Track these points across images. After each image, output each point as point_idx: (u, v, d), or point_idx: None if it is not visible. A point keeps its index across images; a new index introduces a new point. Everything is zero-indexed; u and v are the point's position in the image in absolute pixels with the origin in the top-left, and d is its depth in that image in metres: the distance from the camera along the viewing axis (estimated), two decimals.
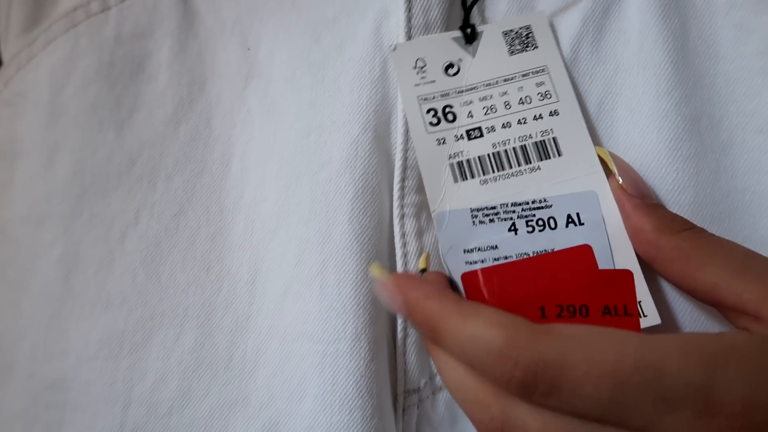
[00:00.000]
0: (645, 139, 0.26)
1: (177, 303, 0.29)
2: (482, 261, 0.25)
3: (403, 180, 0.28)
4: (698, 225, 0.25)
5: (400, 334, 0.28)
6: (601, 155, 0.25)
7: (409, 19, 0.27)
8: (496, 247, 0.25)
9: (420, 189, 0.28)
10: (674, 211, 0.25)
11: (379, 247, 0.28)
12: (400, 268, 0.28)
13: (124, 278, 0.29)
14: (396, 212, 0.28)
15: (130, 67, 0.31)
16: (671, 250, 0.22)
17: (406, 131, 0.27)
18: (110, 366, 0.29)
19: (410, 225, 0.28)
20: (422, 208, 0.28)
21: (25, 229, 0.31)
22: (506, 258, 0.25)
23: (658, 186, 0.26)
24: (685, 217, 0.25)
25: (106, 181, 0.30)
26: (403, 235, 0.28)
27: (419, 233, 0.28)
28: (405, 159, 0.28)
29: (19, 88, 0.32)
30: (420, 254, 0.28)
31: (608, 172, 0.25)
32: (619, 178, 0.24)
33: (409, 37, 0.27)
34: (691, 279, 0.22)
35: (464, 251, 0.25)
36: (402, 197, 0.28)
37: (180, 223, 0.30)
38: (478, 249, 0.25)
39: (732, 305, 0.21)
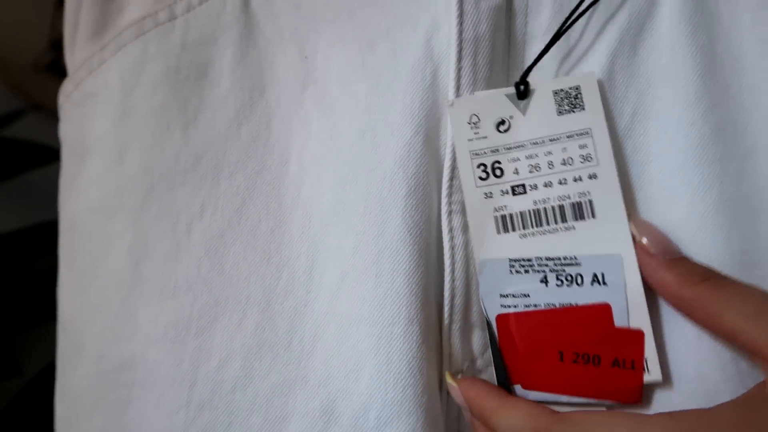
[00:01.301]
0: (673, 145, 0.28)
1: (239, 290, 0.31)
2: (515, 306, 0.28)
3: (451, 180, 0.30)
4: (723, 222, 0.27)
5: (446, 321, 0.30)
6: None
7: (460, 33, 0.30)
8: (528, 295, 0.28)
9: None
10: (701, 210, 0.28)
11: (429, 240, 0.30)
12: (447, 259, 0.30)
13: (190, 267, 0.32)
14: (444, 209, 0.30)
15: (195, 73, 0.33)
16: (693, 301, 0.25)
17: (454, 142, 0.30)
18: (177, 347, 0.31)
19: (457, 221, 0.30)
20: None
21: (96, 220, 0.33)
22: (535, 306, 0.28)
23: (685, 187, 0.28)
24: (710, 215, 0.28)
25: (174, 177, 0.32)
26: (450, 230, 0.30)
27: (465, 228, 0.30)
28: (454, 160, 0.30)
29: (90, 89, 0.34)
30: (465, 246, 0.30)
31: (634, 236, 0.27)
32: (643, 239, 0.27)
33: (460, 49, 0.30)
34: (713, 326, 0.25)
35: (500, 296, 0.28)
36: (450, 195, 0.30)
37: (242, 217, 0.32)
38: (513, 295, 0.28)
39: (750, 350, 0.24)
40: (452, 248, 0.30)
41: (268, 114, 0.33)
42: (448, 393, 0.31)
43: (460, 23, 0.30)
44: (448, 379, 0.29)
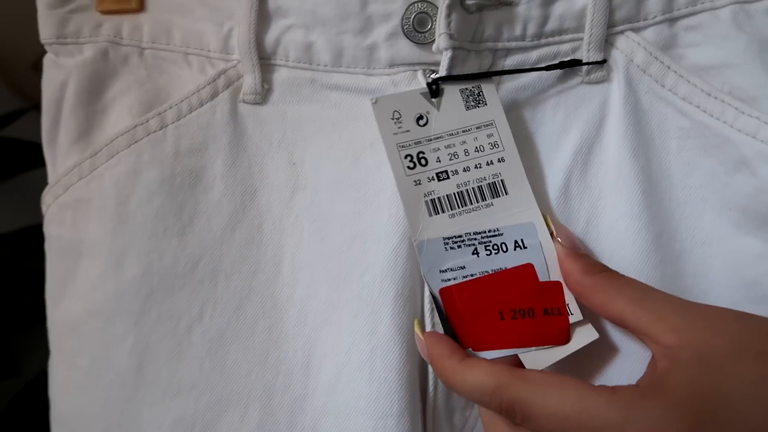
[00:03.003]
0: (623, 251, 0.33)
1: (241, 387, 0.34)
2: (454, 278, 0.32)
3: None
4: None
5: (430, 405, 0.34)
6: (546, 219, 0.32)
7: None
8: (464, 267, 0.32)
9: None
10: None
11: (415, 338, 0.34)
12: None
13: (193, 367, 0.34)
14: (427, 307, 0.34)
15: (189, 179, 0.35)
16: (591, 286, 0.29)
17: None
18: None
19: (437, 318, 0.34)
20: None
21: (96, 323, 0.35)
22: (472, 275, 0.32)
23: None
24: None
25: (172, 281, 0.34)
26: (433, 326, 0.34)
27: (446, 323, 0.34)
28: None
29: (82, 194, 0.36)
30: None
31: (552, 231, 0.32)
32: (558, 238, 0.32)
33: None
34: (606, 308, 0.29)
35: (440, 271, 0.32)
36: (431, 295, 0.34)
37: (240, 317, 0.34)
38: (451, 269, 0.32)
39: (633, 328, 0.27)
40: None
41: (260, 218, 0.35)
42: None
43: None
44: (416, 329, 0.32)
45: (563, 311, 0.31)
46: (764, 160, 0.31)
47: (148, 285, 0.34)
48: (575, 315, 0.31)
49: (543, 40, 0.34)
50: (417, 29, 0.34)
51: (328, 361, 0.34)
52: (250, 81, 0.36)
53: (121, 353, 0.34)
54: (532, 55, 0.34)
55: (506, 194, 0.33)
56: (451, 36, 0.32)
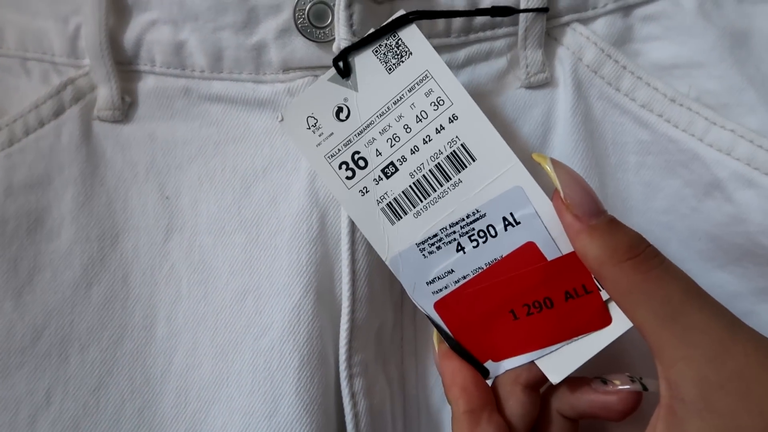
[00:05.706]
0: None
1: None
2: (445, 287, 0.26)
3: (350, 341, 0.27)
4: None
5: None
6: (541, 163, 0.24)
7: None
8: (452, 270, 0.26)
9: (366, 346, 0.28)
10: None
11: (328, 412, 0.27)
12: (351, 429, 0.27)
13: None
14: (344, 373, 0.27)
15: (27, 224, 0.28)
16: (611, 283, 0.22)
17: (353, 293, 0.27)
18: None
19: (359, 384, 0.27)
20: (368, 364, 0.28)
21: None
22: (464, 277, 0.26)
23: None
24: None
25: (7, 359, 0.27)
26: (352, 396, 0.27)
27: (369, 391, 0.27)
28: (352, 321, 0.27)
29: None
30: (368, 412, 0.27)
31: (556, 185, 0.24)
32: (565, 196, 0.23)
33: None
34: (625, 312, 0.22)
35: (427, 284, 0.26)
36: (350, 358, 0.27)
37: (100, 399, 0.28)
38: (438, 278, 0.26)
39: (653, 352, 0.21)
40: (355, 416, 0.27)
41: (124, 268, 0.28)
42: None
43: None
44: (434, 339, 0.26)
45: (591, 287, 0.24)
46: (741, 183, 0.26)
47: None
48: None
49: (472, 36, 0.27)
50: (314, 24, 0.26)
51: None
52: (105, 92, 0.28)
53: None
54: (460, 55, 0.28)
55: (474, 161, 0.25)
56: (354, 33, 0.25)
